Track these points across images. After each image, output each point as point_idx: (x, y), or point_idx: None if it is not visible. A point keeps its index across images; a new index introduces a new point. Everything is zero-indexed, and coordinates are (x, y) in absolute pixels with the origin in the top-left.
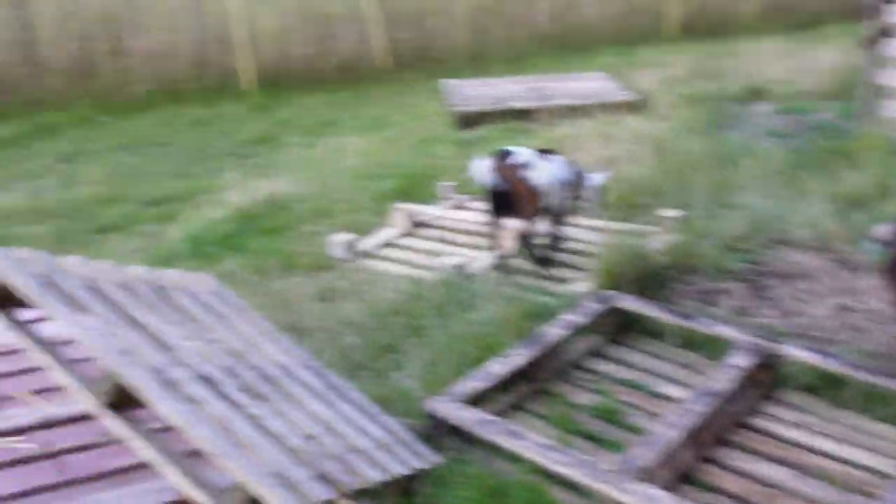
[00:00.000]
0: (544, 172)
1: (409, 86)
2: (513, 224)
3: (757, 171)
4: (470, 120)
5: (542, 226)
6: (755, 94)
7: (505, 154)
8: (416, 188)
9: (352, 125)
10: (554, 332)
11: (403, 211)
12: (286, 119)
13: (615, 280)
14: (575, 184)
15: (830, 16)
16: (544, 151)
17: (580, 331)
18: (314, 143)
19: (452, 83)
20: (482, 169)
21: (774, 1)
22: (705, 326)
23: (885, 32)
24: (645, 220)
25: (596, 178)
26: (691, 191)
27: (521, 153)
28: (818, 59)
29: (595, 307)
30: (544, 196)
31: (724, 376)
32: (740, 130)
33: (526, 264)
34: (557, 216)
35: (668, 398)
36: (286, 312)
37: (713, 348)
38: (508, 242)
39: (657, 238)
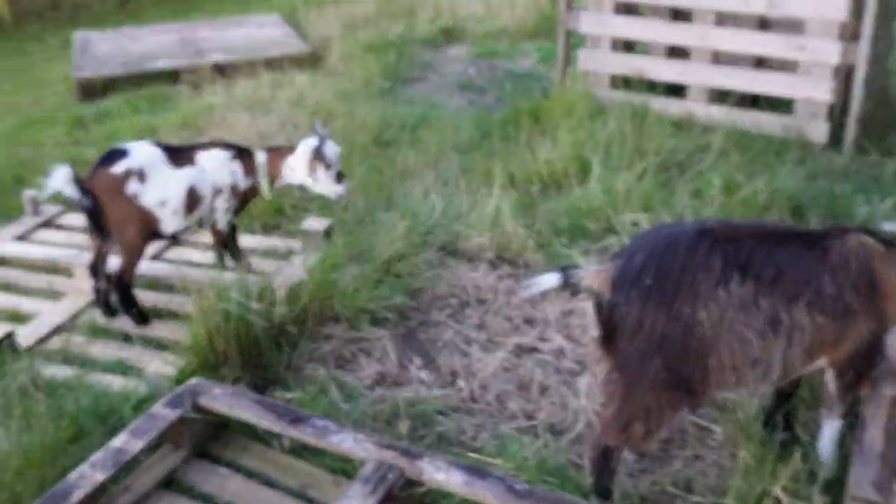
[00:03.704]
0: (166, 185)
1: (37, 41)
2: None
3: (434, 149)
4: (95, 89)
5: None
6: (449, 35)
7: (111, 157)
8: None
9: None
10: (90, 474)
11: None
12: None
13: (213, 351)
14: (241, 186)
15: None
16: (185, 149)
17: (143, 454)
18: None
19: (84, 37)
20: (62, 179)
21: None
22: (317, 436)
23: None
24: (286, 234)
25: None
26: (350, 183)
27: (140, 152)
28: None
29: (165, 413)
30: (161, 219)
31: None
32: (428, 84)
33: (121, 322)
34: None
35: None
36: None
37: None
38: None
39: (293, 267)
